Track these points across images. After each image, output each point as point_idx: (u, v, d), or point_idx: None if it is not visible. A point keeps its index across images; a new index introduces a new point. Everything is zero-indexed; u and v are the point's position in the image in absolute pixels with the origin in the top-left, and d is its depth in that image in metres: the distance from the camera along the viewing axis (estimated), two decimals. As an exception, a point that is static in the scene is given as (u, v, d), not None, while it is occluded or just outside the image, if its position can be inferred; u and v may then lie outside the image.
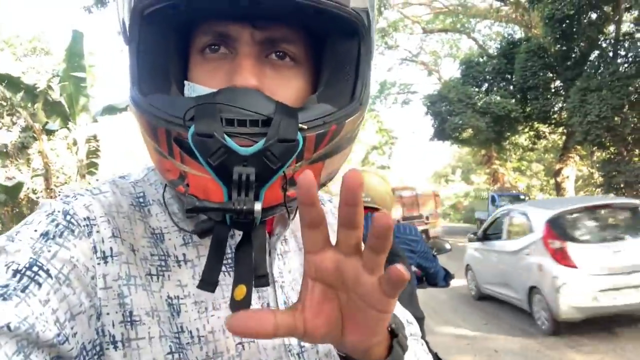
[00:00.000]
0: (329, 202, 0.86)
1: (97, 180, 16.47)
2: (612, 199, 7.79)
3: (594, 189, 24.53)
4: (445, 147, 29.45)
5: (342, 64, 0.59)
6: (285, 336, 0.48)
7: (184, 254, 0.61)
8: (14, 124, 15.92)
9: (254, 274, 0.55)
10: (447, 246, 3.03)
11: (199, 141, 0.50)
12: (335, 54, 0.59)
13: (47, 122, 13.66)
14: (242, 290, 0.54)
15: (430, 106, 23.48)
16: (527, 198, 20.98)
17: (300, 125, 0.53)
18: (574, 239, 6.07)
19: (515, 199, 20.98)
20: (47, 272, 0.50)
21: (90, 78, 13.04)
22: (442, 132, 23.37)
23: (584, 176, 27.39)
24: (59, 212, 0.56)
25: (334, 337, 0.50)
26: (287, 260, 0.70)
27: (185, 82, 0.58)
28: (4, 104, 14.06)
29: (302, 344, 0.65)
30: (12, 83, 12.75)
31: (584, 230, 6.35)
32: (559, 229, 6.15)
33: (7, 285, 0.47)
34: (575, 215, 6.42)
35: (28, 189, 14.88)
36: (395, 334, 0.56)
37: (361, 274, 0.45)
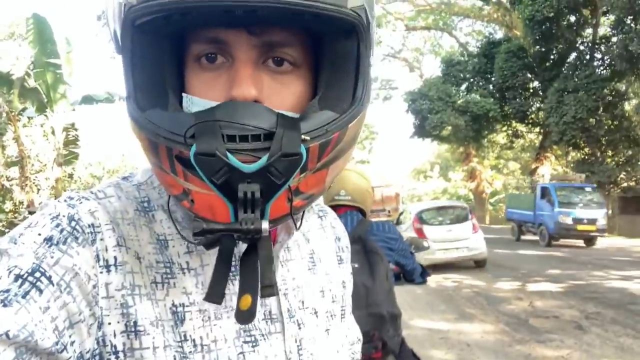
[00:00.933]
0: (329, 213, 0.84)
1: (73, 169, 16.22)
2: (452, 202, 15.87)
3: (568, 188, 25.04)
4: (425, 144, 29.69)
5: (343, 64, 0.57)
6: None
7: (187, 262, 0.60)
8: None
9: (260, 284, 0.53)
10: (425, 244, 3.10)
11: (201, 160, 0.48)
12: (335, 54, 0.57)
13: (24, 109, 13.39)
14: (247, 300, 0.53)
15: (411, 104, 23.66)
16: (591, 190, 16.47)
17: (302, 136, 0.51)
18: (427, 223, 12.07)
19: (580, 191, 16.47)
20: (49, 278, 0.49)
21: (67, 66, 12.80)
22: (422, 130, 23.60)
23: (559, 175, 27.96)
24: (63, 216, 0.55)
25: None
26: (290, 268, 0.69)
27: (184, 94, 0.57)
28: None
29: (303, 353, 0.65)
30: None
31: (434, 219, 12.41)
32: (421, 218, 12.16)
33: (8, 290, 0.47)
34: (430, 210, 12.83)
35: (1, 176, 14.58)
36: None
37: None
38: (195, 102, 0.55)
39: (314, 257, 0.75)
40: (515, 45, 21.50)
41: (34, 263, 0.50)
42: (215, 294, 0.53)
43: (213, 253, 0.57)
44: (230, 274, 0.61)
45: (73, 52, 13.56)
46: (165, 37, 0.56)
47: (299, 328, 0.66)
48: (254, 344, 0.61)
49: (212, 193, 0.51)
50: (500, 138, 27.01)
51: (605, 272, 10.25)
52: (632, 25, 16.78)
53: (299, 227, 0.67)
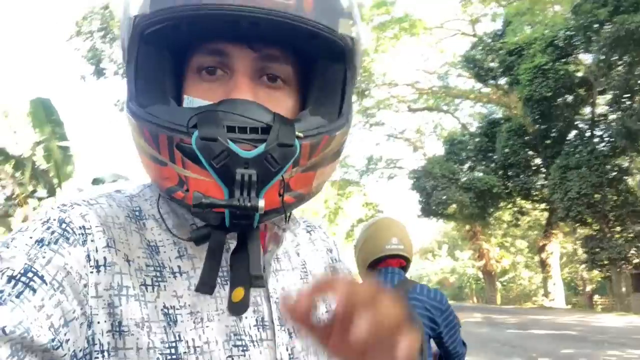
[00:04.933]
0: (318, 228, 0.86)
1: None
2: None
3: (578, 265, 24.58)
4: (432, 222, 29.57)
5: (330, 85, 0.63)
6: None
7: (179, 266, 0.61)
8: (1, 189, 15.86)
9: (250, 273, 0.56)
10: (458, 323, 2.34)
11: (202, 145, 0.52)
12: (324, 75, 0.63)
13: (34, 190, 13.60)
14: (239, 292, 0.57)
15: (416, 182, 23.89)
16: None
17: (296, 133, 0.56)
18: None
19: None
20: (41, 278, 0.50)
21: (76, 148, 13.17)
22: (428, 209, 23.65)
23: (568, 253, 27.50)
24: (54, 220, 0.56)
25: None
26: (280, 278, 0.70)
27: (185, 96, 0.61)
28: None
29: (293, 356, 0.65)
30: (1, 153, 12.78)
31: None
32: None
33: (2, 291, 0.47)
34: None
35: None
36: None
37: None
38: (195, 103, 0.60)
39: (306, 268, 0.76)
40: (515, 124, 21.97)
41: (26, 264, 0.50)
42: (206, 285, 0.56)
43: (204, 258, 0.59)
44: (222, 278, 0.62)
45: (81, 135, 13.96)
46: (168, 48, 0.60)
47: (291, 337, 0.66)
48: (244, 348, 0.61)
49: (209, 179, 0.54)
50: (506, 215, 26.91)
51: (622, 351, 9.80)
52: (629, 103, 17.20)
53: (286, 221, 0.71)
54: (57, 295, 0.50)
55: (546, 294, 23.85)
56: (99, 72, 23.29)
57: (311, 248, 0.80)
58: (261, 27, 0.56)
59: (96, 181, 13.28)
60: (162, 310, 0.58)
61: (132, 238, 0.61)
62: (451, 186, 22.19)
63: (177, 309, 0.58)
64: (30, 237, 0.54)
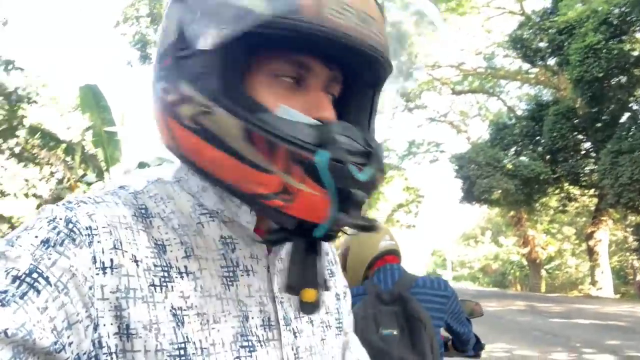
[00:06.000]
0: None
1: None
2: None
3: (628, 253, 23.71)
4: (474, 208, 29.05)
5: (365, 101, 0.69)
6: None
7: (185, 266, 0.61)
8: (52, 174, 16.54)
9: (318, 278, 0.60)
10: (480, 310, 2.40)
11: (332, 166, 0.54)
12: (362, 93, 0.69)
13: (84, 175, 14.11)
14: (310, 293, 0.59)
15: (459, 169, 23.43)
16: None
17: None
18: None
19: None
20: (46, 279, 0.50)
21: (122, 133, 13.52)
22: (471, 195, 23.16)
23: (617, 240, 26.51)
24: (60, 219, 0.56)
25: None
26: (283, 278, 0.70)
27: (281, 105, 0.60)
28: (43, 156, 14.62)
29: (298, 356, 0.67)
30: (52, 138, 13.30)
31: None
32: None
33: (5, 291, 0.47)
34: None
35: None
36: None
37: None
38: (292, 115, 0.59)
39: None
40: (564, 107, 21.15)
41: (31, 264, 0.51)
42: (293, 287, 0.59)
43: (210, 258, 0.63)
44: (227, 278, 0.64)
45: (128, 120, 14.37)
46: (256, 45, 0.59)
47: (295, 337, 0.67)
48: (251, 349, 0.62)
49: (319, 194, 0.55)
50: (553, 201, 26.11)
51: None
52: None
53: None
54: (61, 297, 0.51)
55: (593, 283, 23.07)
56: (145, 57, 23.75)
57: None
58: (365, 59, 0.61)
59: (141, 165, 13.66)
60: (171, 311, 0.58)
61: (140, 238, 0.60)
62: (495, 173, 21.62)
63: (185, 310, 0.59)
64: (36, 237, 0.53)
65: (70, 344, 0.50)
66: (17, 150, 9.67)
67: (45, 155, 14.11)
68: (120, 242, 0.58)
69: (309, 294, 0.59)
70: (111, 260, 0.56)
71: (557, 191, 24.22)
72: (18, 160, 9.79)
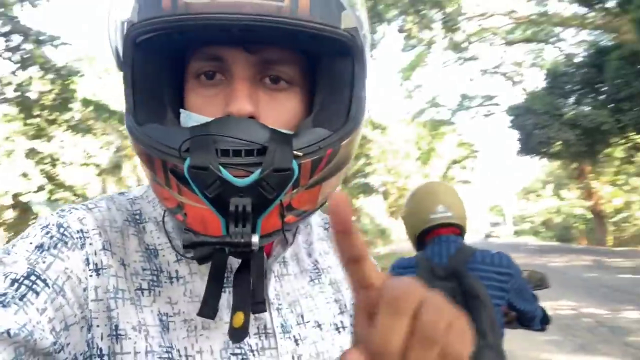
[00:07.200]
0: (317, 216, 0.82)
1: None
2: None
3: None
4: (534, 162, 28.06)
5: (337, 84, 0.59)
6: None
7: (176, 271, 0.61)
8: (109, 144, 17.28)
9: (252, 300, 0.56)
10: (548, 281, 2.15)
11: (194, 174, 0.51)
12: (330, 74, 0.59)
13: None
14: (239, 317, 0.55)
15: (515, 119, 22.59)
16: None
17: (295, 152, 0.53)
18: None
19: None
20: (44, 281, 0.51)
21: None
22: (529, 147, 22.38)
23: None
24: (53, 225, 0.57)
25: None
26: (285, 283, 0.68)
27: (181, 110, 0.59)
28: (98, 127, 15.12)
29: None
30: (105, 109, 13.71)
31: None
32: None
33: (5, 294, 0.48)
34: None
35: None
36: None
37: None
38: (192, 118, 0.57)
39: (318, 267, 0.74)
40: (627, 51, 19.84)
41: (28, 268, 0.52)
42: (208, 309, 0.55)
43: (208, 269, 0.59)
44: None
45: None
46: (166, 54, 0.58)
47: (297, 344, 0.65)
48: (243, 357, 0.60)
49: (205, 207, 0.52)
50: (619, 152, 24.85)
51: None
52: None
53: (292, 243, 0.69)
54: (58, 299, 0.51)
55: (665, 234, 22.03)
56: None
57: (327, 245, 0.78)
58: (254, 31, 0.53)
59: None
60: (158, 315, 0.58)
61: (129, 242, 0.61)
62: (554, 123, 20.74)
63: (170, 316, 0.59)
64: (30, 243, 0.55)
65: (68, 344, 0.51)
66: (72, 122, 10.17)
67: (100, 126, 14.60)
68: (110, 244, 0.59)
69: (237, 319, 0.55)
70: (101, 261, 0.57)
71: (622, 141, 23.01)
72: (75, 132, 10.30)
